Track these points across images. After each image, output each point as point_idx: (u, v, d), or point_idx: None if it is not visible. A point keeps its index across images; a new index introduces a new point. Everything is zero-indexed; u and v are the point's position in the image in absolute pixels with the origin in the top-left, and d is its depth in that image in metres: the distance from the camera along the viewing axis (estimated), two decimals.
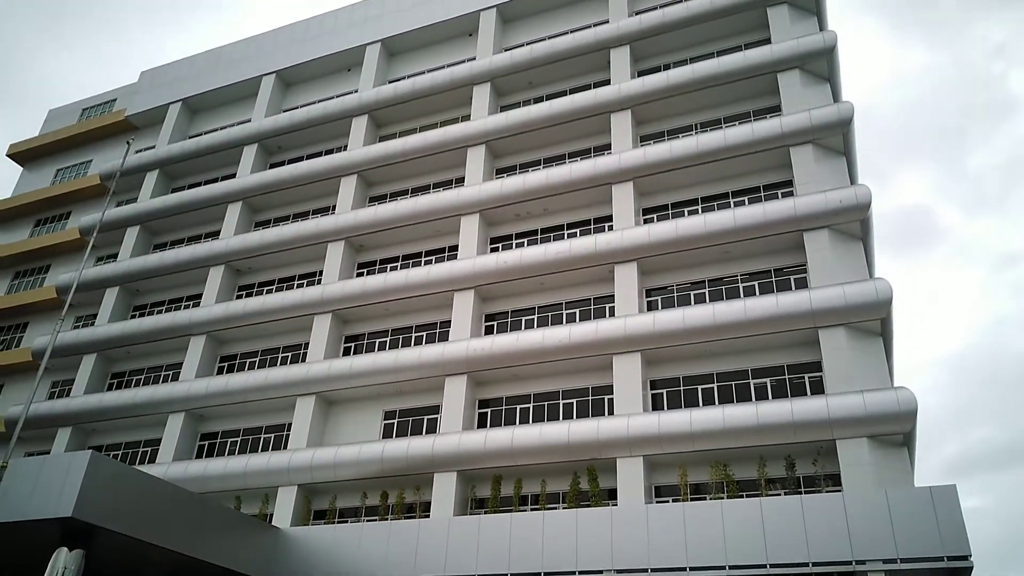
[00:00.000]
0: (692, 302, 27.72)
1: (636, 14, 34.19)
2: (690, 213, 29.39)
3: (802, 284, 26.41)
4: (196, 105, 44.50)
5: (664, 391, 26.44)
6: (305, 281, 35.42)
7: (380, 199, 36.21)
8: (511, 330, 29.81)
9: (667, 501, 24.03)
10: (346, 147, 37.39)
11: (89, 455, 18.95)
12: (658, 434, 24.09)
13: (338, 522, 27.42)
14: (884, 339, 24.60)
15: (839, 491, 21.61)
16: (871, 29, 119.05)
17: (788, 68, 29.53)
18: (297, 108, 40.72)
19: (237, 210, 37.83)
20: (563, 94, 34.34)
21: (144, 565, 22.70)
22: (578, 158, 32.51)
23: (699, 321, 25.59)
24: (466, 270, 30.37)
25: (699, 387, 26.06)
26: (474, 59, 36.63)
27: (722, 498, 22.78)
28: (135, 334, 35.89)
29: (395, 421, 30.01)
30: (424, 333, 31.61)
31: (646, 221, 29.97)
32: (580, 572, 21.98)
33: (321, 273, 34.40)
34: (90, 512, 18.50)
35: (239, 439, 32.35)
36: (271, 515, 28.54)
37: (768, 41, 30.93)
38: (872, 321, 24.14)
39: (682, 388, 26.29)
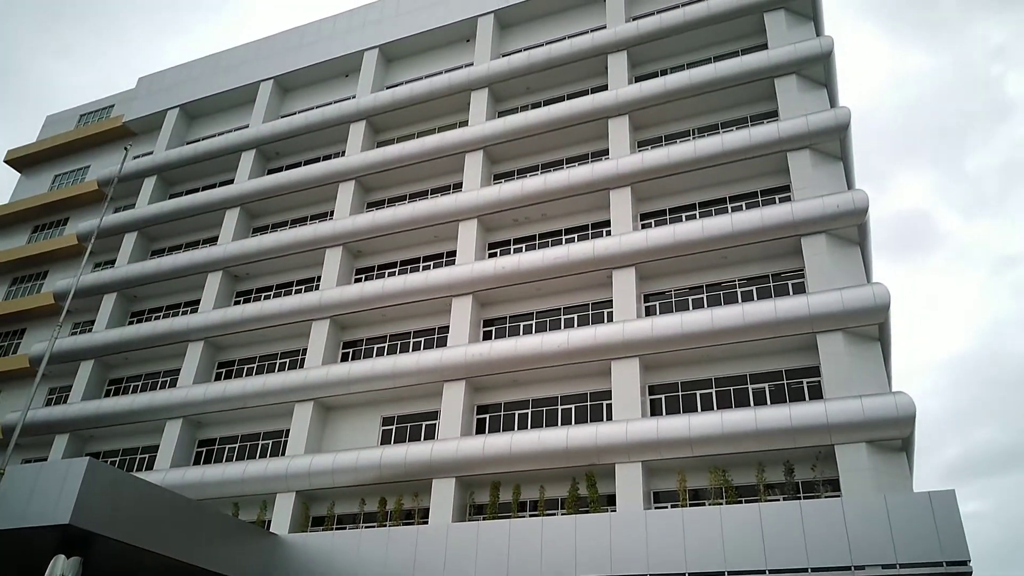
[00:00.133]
0: (690, 307, 27.75)
1: (633, 20, 34.28)
2: (688, 218, 29.42)
3: (800, 289, 26.44)
4: (194, 111, 44.53)
5: (663, 396, 26.44)
6: (303, 287, 35.40)
7: (378, 205, 36.22)
8: (509, 335, 29.80)
9: (666, 507, 24.00)
10: (344, 153, 37.41)
11: (86, 462, 18.88)
12: (657, 439, 24.08)
13: (336, 529, 27.37)
14: (882, 344, 24.62)
15: (838, 496, 21.60)
16: (870, 32, 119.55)
17: (785, 73, 29.61)
18: (295, 114, 40.75)
19: (235, 216, 37.83)
20: (561, 99, 34.41)
21: (142, 572, 22.59)
22: (576, 163, 32.57)
23: (697, 326, 25.60)
24: (464, 275, 30.38)
25: (697, 392, 26.07)
26: (472, 65, 36.69)
27: (721, 504, 22.75)
28: (133, 340, 35.85)
29: (393, 427, 29.98)
30: (422, 339, 31.60)
31: (644, 226, 30.00)
32: None
33: (319, 279, 34.39)
34: (88, 519, 18.43)
35: (237, 445, 32.30)
36: (269, 522, 28.47)
37: (765, 46, 31.02)
38: (870, 326, 24.17)
39: (680, 393, 26.29)
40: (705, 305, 27.55)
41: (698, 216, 29.34)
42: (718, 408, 25.31)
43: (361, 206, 36.01)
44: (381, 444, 29.33)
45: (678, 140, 31.33)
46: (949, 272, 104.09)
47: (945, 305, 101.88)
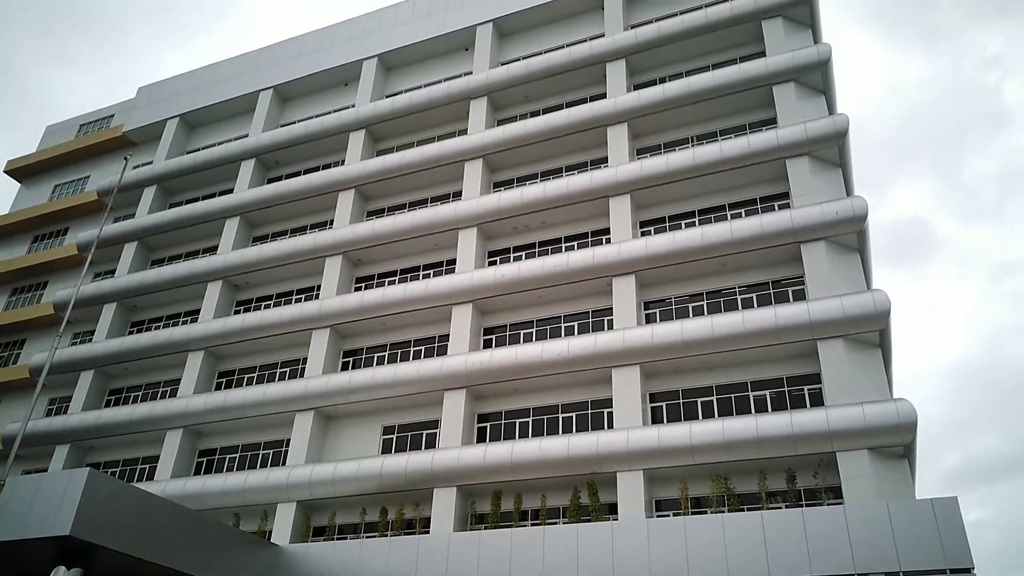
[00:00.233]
0: (690, 314, 27.74)
1: (632, 28, 34.38)
2: (687, 226, 29.43)
3: (800, 296, 26.45)
4: (194, 120, 44.61)
5: (664, 404, 26.41)
6: (303, 296, 35.41)
7: (378, 213, 36.26)
8: (510, 344, 29.79)
9: (668, 515, 23.95)
10: (343, 162, 37.47)
11: (87, 472, 18.87)
12: (658, 447, 24.04)
13: (337, 538, 27.28)
14: (883, 350, 24.61)
15: (840, 504, 21.56)
16: (868, 40, 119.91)
17: (783, 81, 29.69)
18: (294, 123, 40.84)
19: (235, 225, 37.85)
20: (560, 108, 34.48)
21: None
22: (575, 171, 32.60)
23: (698, 334, 25.59)
24: (464, 284, 30.38)
25: (698, 400, 26.04)
26: (471, 73, 36.79)
27: (723, 512, 22.71)
28: (133, 350, 35.82)
29: (394, 436, 29.93)
30: (423, 347, 31.58)
31: (644, 234, 30.03)
32: None
33: (319, 288, 34.38)
34: (88, 530, 18.40)
35: (237, 455, 32.24)
36: (270, 532, 28.40)
37: (763, 54, 31.11)
38: (871, 332, 24.16)
39: (681, 401, 26.26)
40: (705, 312, 27.55)
41: (697, 223, 29.36)
42: (719, 416, 25.28)
43: (361, 215, 36.04)
44: (382, 453, 29.29)
45: (677, 148, 31.39)
46: (948, 279, 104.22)
47: (944, 312, 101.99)
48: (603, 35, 34.79)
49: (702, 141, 31.12)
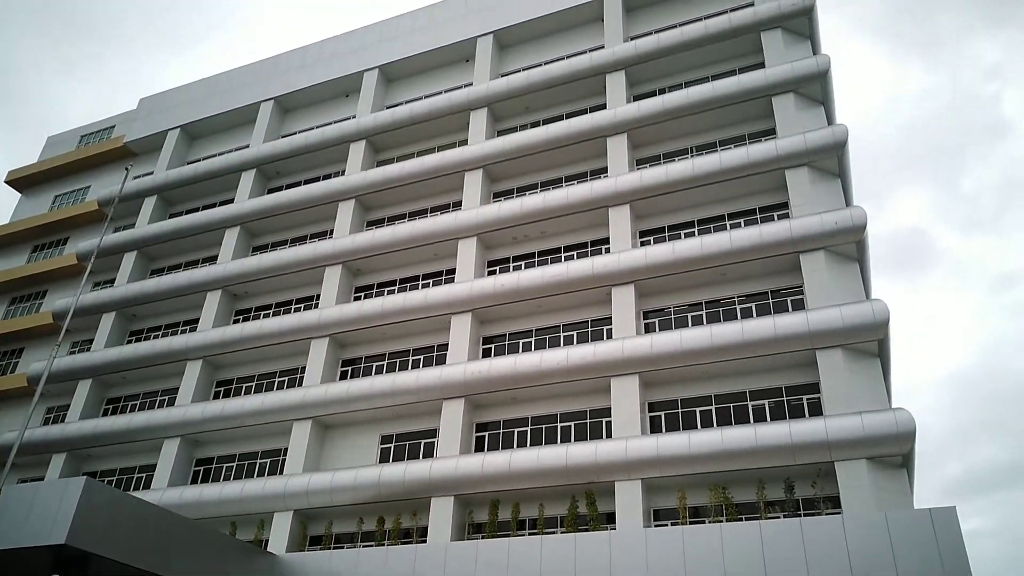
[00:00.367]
0: (689, 324, 27.74)
1: (631, 40, 34.55)
2: (687, 235, 29.48)
3: (799, 306, 26.45)
4: (195, 131, 44.77)
5: (662, 413, 26.36)
6: (302, 305, 35.43)
7: (378, 223, 36.33)
8: (509, 353, 29.76)
9: (666, 525, 23.84)
10: (344, 172, 37.58)
11: (83, 481, 18.82)
12: (656, 457, 23.98)
13: (334, 548, 27.18)
14: (882, 360, 24.59)
15: (839, 513, 21.46)
16: (867, 51, 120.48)
17: (782, 92, 29.80)
18: (295, 134, 40.99)
19: (235, 235, 37.92)
20: (560, 119, 34.61)
21: None
22: (575, 181, 32.68)
23: (697, 343, 25.58)
24: (464, 293, 30.40)
25: (697, 409, 26.00)
26: (471, 85, 36.96)
27: (721, 521, 22.61)
28: (131, 359, 35.80)
29: (392, 445, 29.87)
30: (421, 356, 31.56)
31: (643, 244, 30.07)
32: None
33: (318, 297, 34.40)
34: (84, 539, 18.34)
35: (235, 464, 32.16)
36: (267, 541, 28.29)
37: (762, 65, 31.25)
38: (870, 342, 24.15)
39: (680, 410, 26.22)
40: (704, 322, 27.55)
41: (697, 233, 29.41)
42: (718, 425, 25.23)
43: (361, 225, 36.11)
44: (380, 462, 29.20)
45: (676, 158, 31.48)
46: (947, 290, 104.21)
47: (944, 322, 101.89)
48: (603, 47, 34.97)
49: (701, 152, 31.22)
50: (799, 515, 22.38)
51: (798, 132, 28.38)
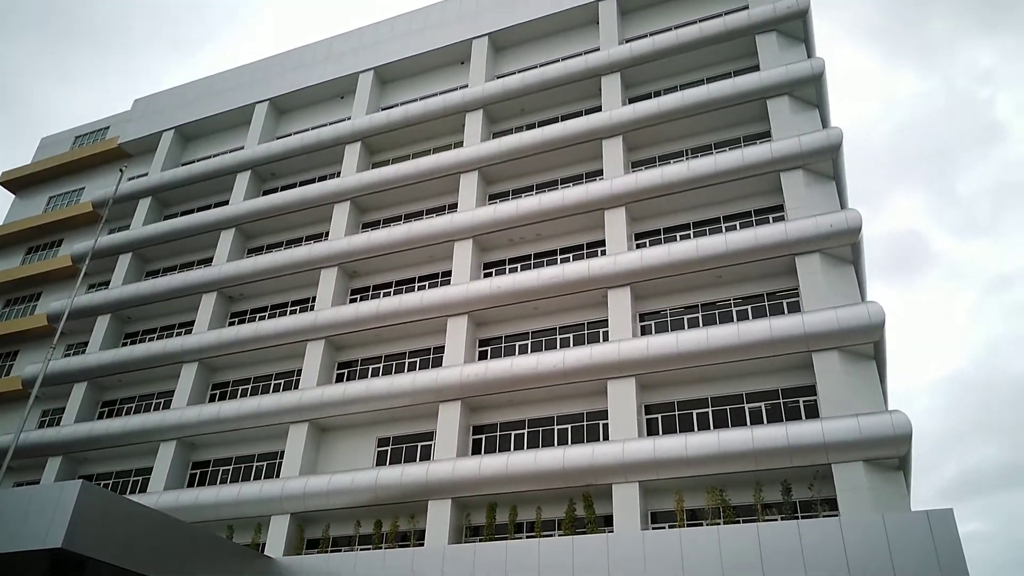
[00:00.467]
0: (686, 326, 27.79)
1: (627, 42, 34.60)
2: (682, 238, 29.53)
3: (795, 308, 26.52)
4: (189, 133, 44.65)
5: (659, 416, 26.41)
6: (298, 307, 35.36)
7: (373, 225, 36.30)
8: (505, 355, 29.77)
9: (663, 527, 23.89)
10: (339, 174, 37.54)
11: (79, 485, 18.76)
12: (654, 459, 24.01)
13: (331, 551, 27.13)
14: (877, 362, 24.67)
15: (836, 515, 21.53)
16: (861, 55, 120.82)
17: (777, 95, 29.88)
18: (290, 135, 40.91)
19: (230, 237, 37.83)
20: (555, 121, 34.63)
21: None
22: (570, 184, 32.71)
23: (693, 345, 25.63)
24: (460, 296, 30.39)
25: (694, 412, 26.04)
26: (466, 87, 36.95)
27: (719, 524, 22.66)
28: (127, 362, 35.68)
29: (389, 448, 29.84)
30: (418, 359, 31.54)
31: (639, 246, 30.11)
32: None
33: (314, 299, 34.35)
34: (80, 543, 18.27)
35: (231, 467, 32.09)
36: (263, 544, 28.21)
37: (757, 68, 31.32)
38: (865, 344, 24.23)
39: (677, 413, 26.26)
40: (700, 324, 27.60)
41: (692, 236, 29.46)
42: (715, 427, 25.28)
43: (356, 226, 36.06)
44: (376, 465, 29.18)
45: (672, 160, 31.54)
46: (943, 292, 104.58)
47: (939, 325, 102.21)
48: (598, 49, 35.00)
49: (697, 154, 31.28)
50: (796, 517, 22.45)
51: (793, 135, 28.46)
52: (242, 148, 41.39)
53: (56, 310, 39.03)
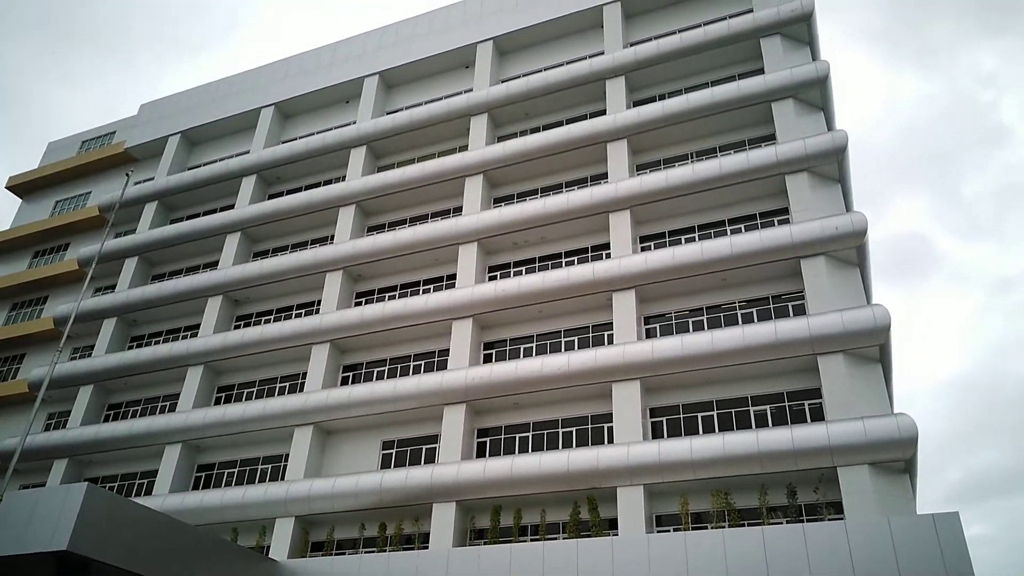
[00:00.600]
0: (691, 329, 27.75)
1: (631, 46, 34.64)
2: (687, 241, 29.52)
3: (800, 311, 26.47)
4: (195, 137, 44.82)
5: (664, 419, 26.36)
6: (303, 311, 35.42)
7: (378, 229, 36.36)
8: (510, 358, 29.77)
9: (668, 530, 23.84)
10: (344, 178, 37.62)
11: (85, 487, 18.79)
12: (658, 462, 23.96)
13: (336, 554, 27.13)
14: (883, 365, 24.60)
15: (841, 519, 21.47)
16: (866, 58, 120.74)
17: (782, 97, 29.85)
18: (296, 139, 41.02)
19: (236, 241, 37.94)
20: (559, 124, 34.68)
21: None
22: (575, 187, 32.75)
23: (698, 348, 25.59)
24: (464, 299, 30.41)
25: (699, 415, 25.99)
26: (471, 91, 37.01)
27: (724, 527, 22.61)
28: (132, 365, 35.78)
29: (393, 451, 29.84)
30: (422, 362, 31.56)
31: (643, 249, 30.09)
32: None
33: (319, 303, 34.41)
34: (86, 545, 18.30)
35: (236, 470, 32.13)
36: (268, 547, 28.25)
37: (762, 71, 31.32)
38: (871, 347, 24.15)
39: (682, 416, 26.21)
40: (705, 327, 27.56)
41: (697, 239, 29.43)
42: (720, 431, 25.22)
43: (361, 230, 36.13)
44: (381, 468, 29.19)
45: (677, 164, 31.53)
46: (947, 294, 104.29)
47: (944, 327, 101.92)
48: (602, 53, 35.04)
49: (701, 157, 31.26)
50: (802, 521, 22.38)
51: (798, 137, 28.43)
52: (248, 152, 41.52)
53: (62, 313, 39.18)
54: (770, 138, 30.21)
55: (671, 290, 28.32)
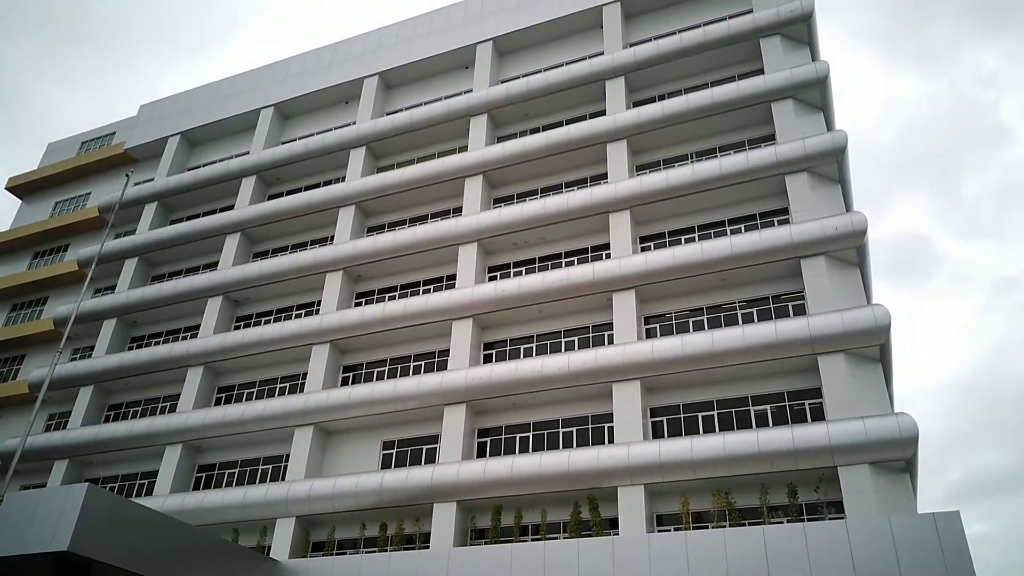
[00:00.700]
0: (691, 329, 27.77)
1: (631, 46, 34.67)
2: (687, 241, 29.55)
3: (800, 311, 26.49)
4: (195, 138, 44.83)
5: (664, 419, 26.38)
6: (303, 311, 35.42)
7: (378, 229, 36.37)
8: (510, 359, 29.79)
9: (669, 530, 23.85)
10: (344, 178, 37.63)
11: (86, 488, 18.80)
12: (659, 462, 23.98)
13: (336, 554, 27.13)
14: (883, 365, 24.63)
15: (842, 518, 21.49)
16: (865, 58, 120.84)
17: (782, 98, 29.88)
18: (295, 140, 41.04)
19: (235, 241, 37.95)
20: (559, 125, 34.70)
21: None
22: (575, 187, 32.77)
23: (698, 348, 25.61)
24: (464, 299, 30.43)
25: (699, 415, 26.01)
26: (471, 91, 37.03)
27: (724, 526, 22.61)
28: (133, 366, 35.79)
29: (394, 451, 29.85)
30: (423, 362, 31.57)
31: (643, 249, 30.11)
32: None
33: (319, 303, 34.42)
34: (87, 546, 18.31)
35: (237, 470, 32.14)
36: (269, 547, 28.25)
37: (761, 71, 31.35)
38: (871, 347, 24.18)
39: (682, 416, 26.23)
40: (706, 327, 27.58)
41: (697, 239, 29.46)
42: (720, 430, 25.24)
43: (361, 231, 36.15)
44: (382, 468, 29.20)
45: (676, 164, 31.56)
46: (948, 294, 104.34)
47: (945, 327, 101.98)
48: (602, 53, 35.06)
49: (701, 157, 31.28)
50: (802, 520, 22.40)
51: (798, 138, 28.46)
52: (247, 153, 41.53)
53: (62, 314, 39.18)
54: (770, 138, 30.24)
55: (671, 290, 28.35)
